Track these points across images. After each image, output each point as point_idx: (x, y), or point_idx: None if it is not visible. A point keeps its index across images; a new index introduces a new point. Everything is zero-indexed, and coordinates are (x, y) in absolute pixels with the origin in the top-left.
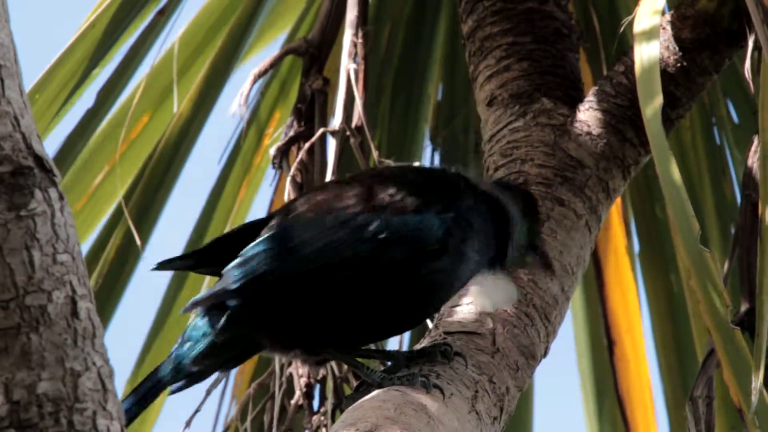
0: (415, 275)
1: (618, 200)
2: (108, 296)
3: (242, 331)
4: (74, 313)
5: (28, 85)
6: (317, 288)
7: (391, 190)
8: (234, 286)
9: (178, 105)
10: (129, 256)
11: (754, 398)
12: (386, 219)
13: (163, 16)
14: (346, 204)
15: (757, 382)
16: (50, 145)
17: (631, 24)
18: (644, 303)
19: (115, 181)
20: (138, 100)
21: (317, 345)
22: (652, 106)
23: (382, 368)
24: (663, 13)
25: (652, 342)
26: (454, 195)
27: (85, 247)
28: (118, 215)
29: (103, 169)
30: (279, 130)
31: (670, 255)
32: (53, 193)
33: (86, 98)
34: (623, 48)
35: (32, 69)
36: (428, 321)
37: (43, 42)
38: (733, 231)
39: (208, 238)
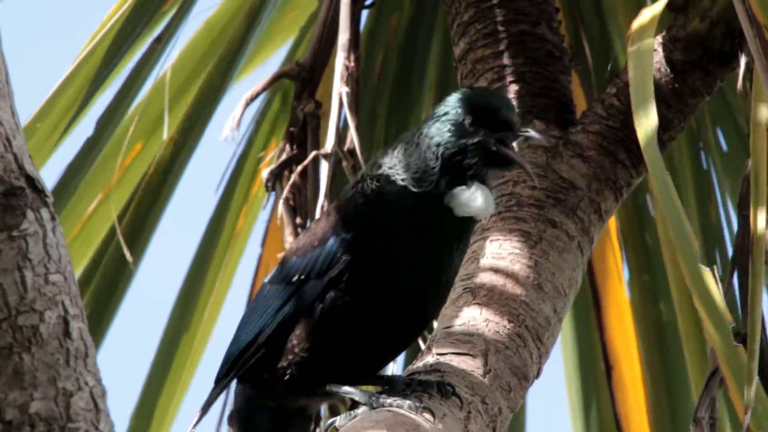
0: (362, 293)
1: (614, 225)
2: (100, 319)
3: (263, 403)
4: (66, 333)
5: (30, 113)
6: (280, 343)
7: (308, 233)
8: (216, 378)
9: (171, 132)
10: (121, 279)
11: (747, 416)
12: (296, 262)
13: (160, 43)
14: (284, 258)
15: (749, 397)
16: (49, 174)
17: (622, 46)
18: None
19: (109, 209)
20: (132, 128)
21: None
22: (647, 125)
23: (377, 391)
24: (655, 35)
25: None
26: (355, 215)
27: (79, 273)
28: (109, 240)
29: (96, 197)
30: (272, 154)
31: (659, 283)
32: (45, 213)
33: (85, 125)
34: (615, 70)
35: (33, 97)
36: (420, 342)
37: (39, 70)
38: (717, 254)
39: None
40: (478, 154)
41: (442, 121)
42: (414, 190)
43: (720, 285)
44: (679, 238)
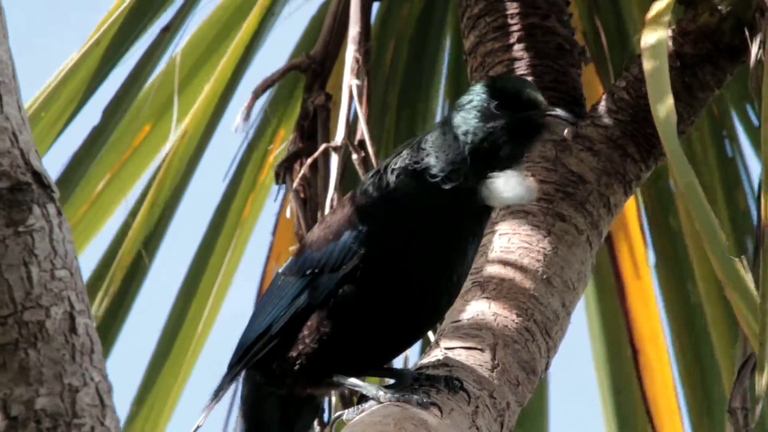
0: (375, 287)
1: (633, 209)
2: (115, 314)
3: (271, 390)
4: (72, 329)
5: (34, 103)
6: (292, 334)
7: (322, 225)
8: (229, 365)
9: (180, 117)
10: (136, 272)
11: (758, 408)
12: (311, 255)
13: (168, 32)
14: (298, 250)
15: (761, 388)
16: (56, 162)
17: (637, 36)
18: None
19: (116, 190)
20: (141, 110)
21: (322, 376)
22: (664, 115)
23: (385, 385)
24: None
25: (672, 353)
26: (371, 209)
27: (89, 257)
28: (124, 231)
29: (104, 177)
30: (282, 146)
31: (686, 266)
32: (51, 209)
33: (89, 113)
34: (627, 64)
35: (35, 86)
36: (430, 334)
37: (46, 59)
38: (748, 242)
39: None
40: (506, 136)
41: (467, 110)
42: (445, 187)
43: (751, 273)
44: (706, 228)
